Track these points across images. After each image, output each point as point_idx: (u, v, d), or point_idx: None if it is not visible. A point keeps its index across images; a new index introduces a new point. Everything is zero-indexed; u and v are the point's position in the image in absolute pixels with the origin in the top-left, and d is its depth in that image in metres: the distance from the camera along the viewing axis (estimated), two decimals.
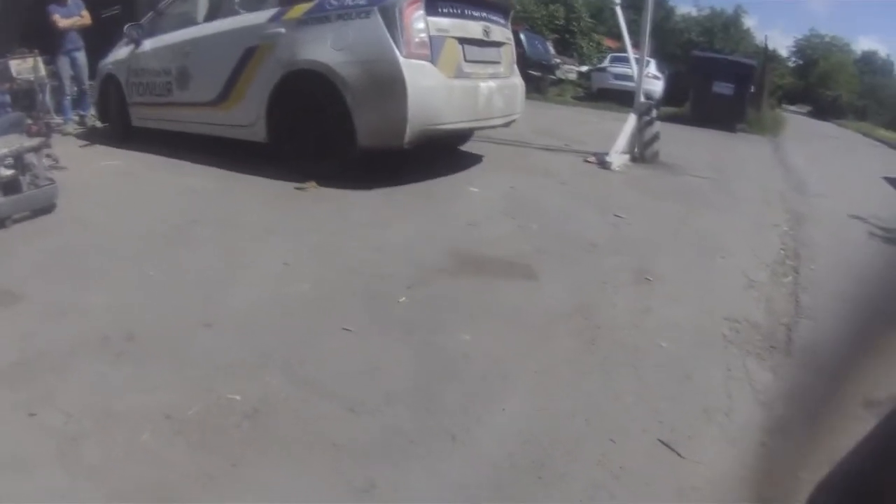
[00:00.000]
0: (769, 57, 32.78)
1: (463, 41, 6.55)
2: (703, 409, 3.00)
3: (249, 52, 6.87)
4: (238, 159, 7.00)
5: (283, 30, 6.60)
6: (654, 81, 23.16)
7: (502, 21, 7.34)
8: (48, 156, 5.98)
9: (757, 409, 3.08)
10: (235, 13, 7.29)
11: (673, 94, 22.42)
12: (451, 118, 6.46)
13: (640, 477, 2.53)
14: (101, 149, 8.24)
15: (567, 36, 34.14)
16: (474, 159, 6.06)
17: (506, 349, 3.43)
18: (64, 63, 9.71)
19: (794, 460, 2.71)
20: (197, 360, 3.17)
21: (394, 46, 6.01)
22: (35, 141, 5.54)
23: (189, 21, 8.23)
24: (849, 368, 3.25)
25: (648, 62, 24.00)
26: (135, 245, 4.66)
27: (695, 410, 3.00)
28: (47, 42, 9.63)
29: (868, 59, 55.56)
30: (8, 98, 9.22)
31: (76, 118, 10.03)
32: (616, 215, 6.06)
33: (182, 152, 7.55)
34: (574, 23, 34.35)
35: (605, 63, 25.09)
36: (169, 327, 3.48)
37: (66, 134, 9.19)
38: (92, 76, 9.90)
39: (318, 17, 6.41)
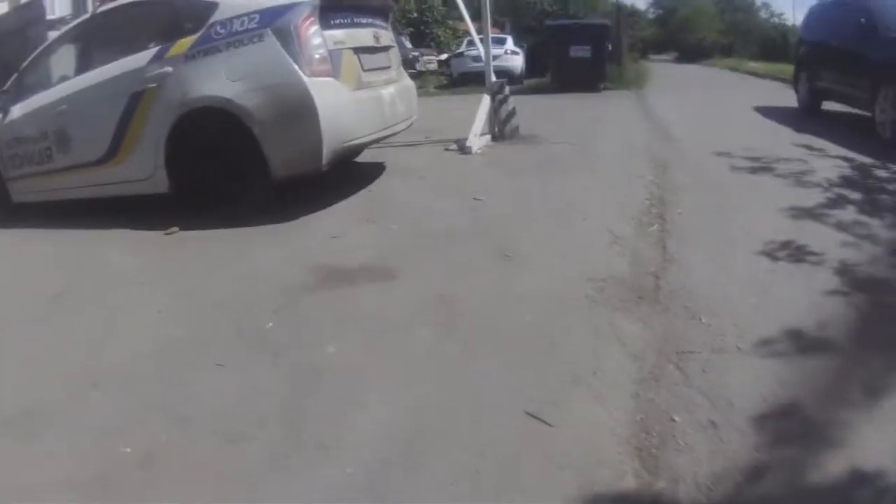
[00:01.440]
0: (626, 13, 33.56)
1: (358, 51, 6.35)
2: (570, 374, 3.08)
3: (135, 99, 6.24)
4: (114, 212, 6.65)
5: (168, 69, 6.05)
6: (513, 58, 23.58)
7: (385, 24, 7.19)
8: None
9: (626, 361, 3.16)
10: (110, 60, 6.58)
11: (535, 67, 22.87)
12: (362, 131, 6.24)
13: (507, 451, 2.60)
14: None
15: (422, 27, 34.23)
16: (333, 168, 6.02)
17: (369, 354, 3.47)
18: None
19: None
20: (88, 422, 3.14)
21: (296, 67, 5.71)
22: None
23: (59, 77, 7.48)
24: None
25: (504, 39, 24.48)
26: (10, 319, 4.49)
27: (561, 377, 3.07)
28: None
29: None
30: None
31: None
32: (475, 198, 6.09)
33: (59, 218, 6.90)
34: (427, 13, 34.51)
35: (463, 48, 25.28)
36: (59, 396, 3.41)
37: None
38: None
39: (205, 49, 5.94)
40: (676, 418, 2.74)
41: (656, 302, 3.79)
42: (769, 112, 11.34)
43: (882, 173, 6.51)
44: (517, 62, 23.80)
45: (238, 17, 5.86)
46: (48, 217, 6.91)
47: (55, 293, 4.84)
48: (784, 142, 8.01)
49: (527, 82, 21.06)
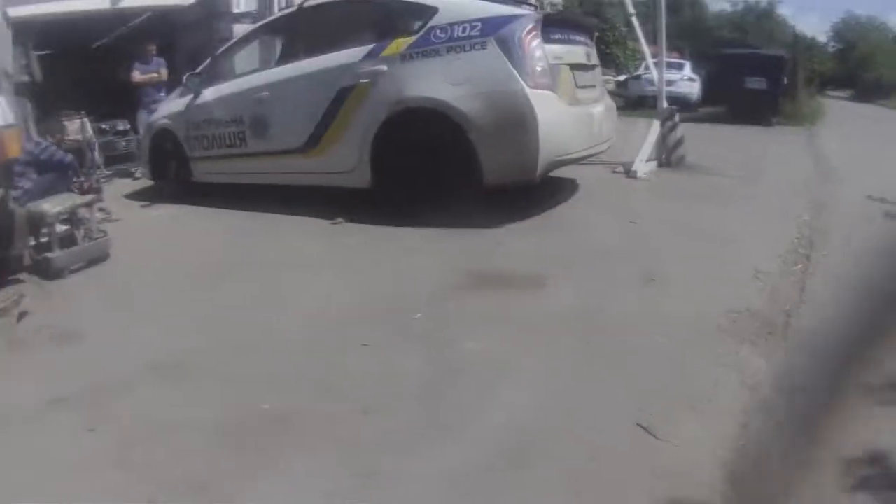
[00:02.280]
0: (805, 45, 32.48)
1: (573, 67, 6.43)
2: (686, 397, 3.28)
3: (344, 93, 6.49)
4: (284, 201, 7.09)
5: (383, 67, 6.24)
6: (690, 84, 23.27)
7: (592, 43, 7.26)
8: (101, 209, 6.46)
9: (742, 392, 3.34)
10: (317, 53, 6.88)
11: (711, 95, 22.51)
12: (575, 147, 6.29)
13: (615, 455, 2.85)
14: (161, 208, 7.99)
15: (602, 47, 34.14)
16: None
17: (507, 352, 3.79)
18: (142, 115, 10.41)
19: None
20: (236, 378, 3.62)
21: (518, 77, 5.76)
22: (87, 197, 6.03)
23: (257, 65, 8.06)
24: (853, 353, 3.41)
25: (682, 65, 24.22)
26: (185, 284, 5.10)
27: (677, 398, 3.27)
28: (95, 101, 10.22)
29: None
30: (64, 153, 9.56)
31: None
32: (632, 222, 6.30)
33: (232, 201, 7.43)
34: (608, 33, 34.43)
35: (640, 70, 25.21)
36: (212, 352, 3.92)
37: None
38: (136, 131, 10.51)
39: (424, 51, 6.08)
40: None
41: (783, 339, 3.93)
42: None
43: None
44: (693, 89, 23.57)
45: (459, 23, 5.99)
46: (224, 197, 7.54)
47: (229, 264, 5.45)
48: None
49: (702, 110, 20.86)
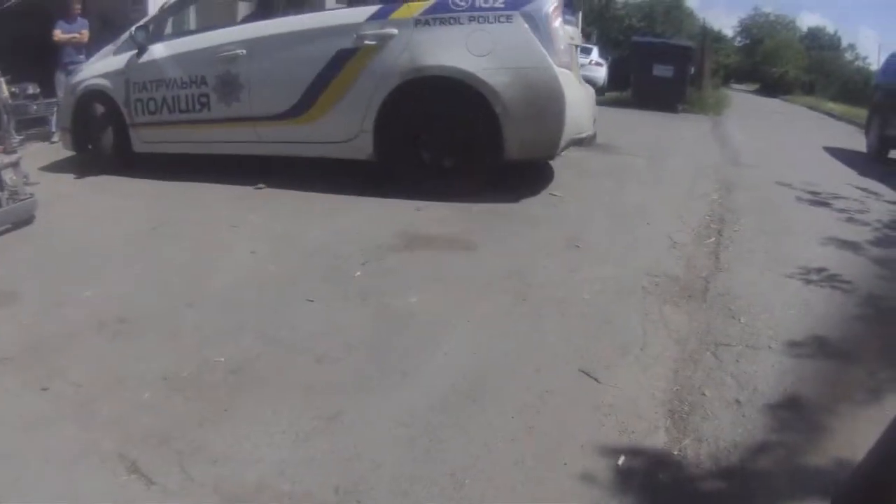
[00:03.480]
0: (712, 37, 33.48)
1: (577, 48, 6.47)
2: (621, 345, 3.55)
3: (343, 56, 6.09)
4: (203, 170, 7.02)
5: (393, 30, 5.92)
6: (597, 69, 23.82)
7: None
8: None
9: (669, 343, 3.60)
10: (309, 9, 6.69)
11: (616, 80, 23.20)
12: (585, 127, 6.32)
13: (563, 398, 3.07)
14: (82, 174, 7.41)
15: None
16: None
17: (448, 307, 3.98)
18: (60, 77, 9.92)
19: None
20: (184, 333, 3.67)
21: (546, 54, 5.68)
22: (13, 157, 5.93)
23: (227, 19, 7.46)
24: None
25: (590, 49, 24.75)
26: (112, 246, 5.07)
27: (613, 346, 3.54)
28: (6, 60, 9.83)
29: (814, 35, 56.45)
30: None
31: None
32: (551, 194, 6.51)
33: (153, 170, 7.16)
34: None
35: None
36: (156, 309, 3.96)
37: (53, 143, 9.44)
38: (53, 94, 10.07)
39: (441, 17, 5.83)
40: (707, 393, 3.17)
41: (703, 301, 4.19)
42: (838, 153, 11.55)
43: None
44: (600, 73, 24.08)
45: None
46: (146, 166, 7.28)
47: (155, 227, 5.44)
48: (846, 182, 8.25)
49: (608, 94, 21.36)
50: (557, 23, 5.81)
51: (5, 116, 9.18)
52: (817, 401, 3.20)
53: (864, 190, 7.89)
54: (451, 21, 5.81)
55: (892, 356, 3.72)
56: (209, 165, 7.00)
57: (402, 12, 5.97)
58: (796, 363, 3.51)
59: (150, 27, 7.21)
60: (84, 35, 10.00)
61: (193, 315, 3.90)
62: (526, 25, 5.70)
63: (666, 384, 3.22)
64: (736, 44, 57.21)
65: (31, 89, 10.32)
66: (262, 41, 6.50)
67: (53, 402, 3.03)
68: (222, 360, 3.35)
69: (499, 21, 5.73)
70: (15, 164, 5.76)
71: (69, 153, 7.97)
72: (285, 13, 6.85)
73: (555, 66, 5.70)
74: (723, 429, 2.92)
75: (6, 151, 7.65)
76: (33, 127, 10.12)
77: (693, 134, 13.18)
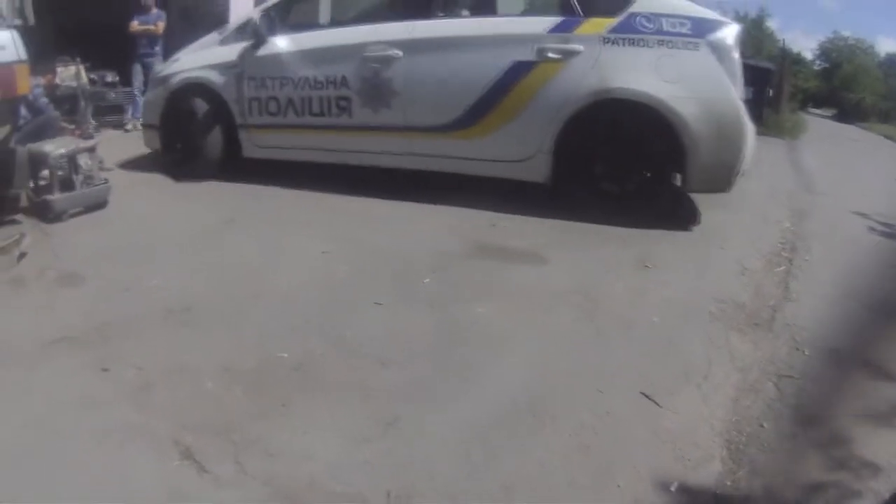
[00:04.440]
0: (792, 60, 32.86)
1: None
2: (683, 371, 3.49)
3: (520, 68, 5.72)
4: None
5: (579, 46, 5.61)
6: None
7: None
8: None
9: (732, 371, 3.53)
10: (481, 13, 6.37)
11: None
12: (750, 161, 5.89)
13: (621, 420, 3.04)
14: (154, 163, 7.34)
15: None
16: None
17: (514, 320, 3.97)
18: (136, 68, 10.14)
19: None
20: (249, 327, 3.71)
21: (731, 86, 5.48)
22: (90, 142, 6.07)
23: (374, 13, 7.04)
24: None
25: None
26: (186, 235, 5.17)
27: (675, 372, 3.48)
28: (87, 48, 10.05)
29: (892, 61, 55.01)
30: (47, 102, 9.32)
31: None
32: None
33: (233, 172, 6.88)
34: None
35: None
36: (223, 301, 4.02)
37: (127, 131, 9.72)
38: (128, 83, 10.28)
39: (630, 38, 5.54)
40: (765, 425, 3.11)
41: (769, 330, 4.10)
42: None
43: None
44: None
45: (664, 15, 5.56)
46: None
47: (227, 219, 5.53)
48: None
49: None
50: (737, 55, 5.58)
51: (83, 102, 9.41)
52: (874, 439, 3.11)
53: None
54: (640, 43, 5.54)
55: None
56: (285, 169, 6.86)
57: (588, 28, 5.65)
58: (858, 400, 3.43)
59: (273, 16, 6.73)
60: (159, 27, 10.06)
61: (261, 309, 3.94)
62: (712, 56, 5.48)
63: (725, 413, 3.16)
64: (815, 67, 56.05)
65: (110, 77, 10.63)
66: (423, 43, 6.05)
67: (112, 384, 3.10)
68: (285, 356, 3.38)
69: (686, 48, 5.49)
70: (91, 150, 5.87)
71: (143, 144, 7.61)
72: (450, 13, 6.37)
73: (738, 100, 5.52)
74: (779, 462, 2.87)
75: (83, 136, 7.81)
76: (109, 115, 10.32)
77: (769, 157, 12.87)
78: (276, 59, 6.51)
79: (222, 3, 11.05)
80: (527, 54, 5.69)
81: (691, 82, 5.46)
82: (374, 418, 2.91)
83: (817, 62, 57.07)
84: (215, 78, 6.75)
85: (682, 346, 3.77)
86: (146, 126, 7.37)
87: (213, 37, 7.21)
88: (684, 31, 5.49)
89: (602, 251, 5.22)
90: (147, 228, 5.34)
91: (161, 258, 4.68)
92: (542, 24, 5.78)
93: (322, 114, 6.39)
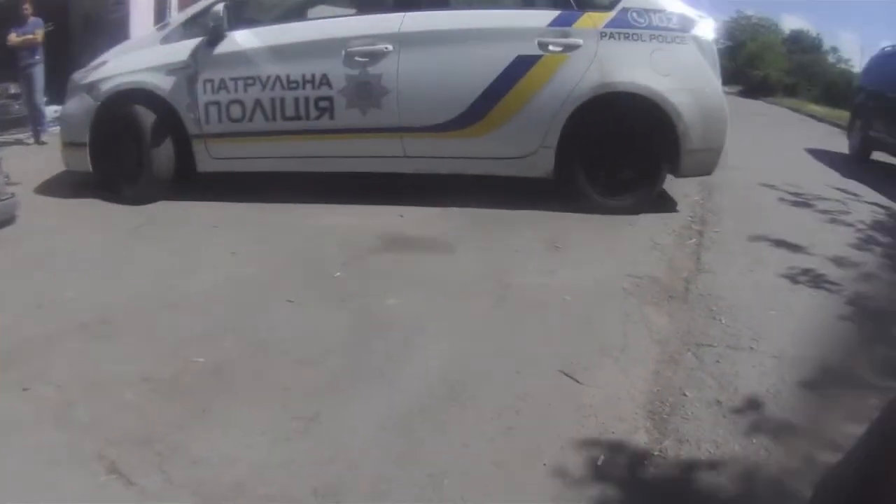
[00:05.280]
0: None
1: None
2: (600, 347, 3.56)
3: (524, 62, 5.63)
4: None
5: (578, 41, 5.62)
6: None
7: None
8: None
9: (650, 344, 3.62)
10: (480, 5, 6.13)
11: None
12: None
13: (543, 399, 3.09)
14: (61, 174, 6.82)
15: None
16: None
17: (427, 308, 4.01)
18: (21, 81, 9.74)
19: None
20: (164, 334, 3.66)
21: (715, 77, 5.81)
22: None
23: (356, 3, 6.55)
24: None
25: None
26: (97, 247, 5.05)
27: (592, 348, 3.56)
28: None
29: (797, 38, 56.27)
30: None
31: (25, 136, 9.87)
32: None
33: None
34: None
35: None
36: (136, 311, 3.95)
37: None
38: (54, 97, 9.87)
39: (625, 32, 5.65)
40: (687, 394, 3.19)
41: (684, 301, 4.22)
42: (820, 154, 11.60)
43: None
44: None
45: (653, 10, 5.73)
46: None
47: (136, 228, 5.42)
48: (828, 183, 8.29)
49: None
50: (716, 48, 5.97)
51: None
52: (797, 402, 3.23)
53: (845, 191, 7.93)
54: (635, 37, 5.67)
55: (873, 357, 3.75)
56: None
57: (586, 22, 5.69)
58: (777, 364, 3.53)
59: (231, 8, 5.93)
60: (38, 35, 9.56)
61: (174, 316, 3.89)
62: (697, 49, 5.75)
63: (646, 385, 3.24)
64: (719, 46, 56.94)
65: (13, 89, 10.25)
66: (418, 37, 5.73)
67: (33, 403, 3.01)
68: (202, 360, 3.35)
69: (675, 42, 5.70)
70: None
71: (52, 155, 7.08)
72: (442, 4, 6.11)
73: (720, 89, 5.85)
74: (703, 430, 2.94)
75: None
76: (11, 127, 10.00)
77: None
78: (238, 56, 5.88)
79: (122, 11, 10.82)
80: (530, 48, 5.64)
81: (682, 74, 5.70)
82: (294, 417, 2.90)
83: (721, 41, 58.04)
84: (160, 82, 5.98)
85: (598, 323, 3.85)
86: (69, 144, 6.32)
87: (150, 35, 6.66)
88: (671, 25, 5.71)
89: (510, 236, 5.28)
90: (58, 243, 5.19)
91: (74, 272, 4.56)
92: (542, 17, 5.77)
93: (298, 117, 5.86)
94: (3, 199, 5.52)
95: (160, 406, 2.99)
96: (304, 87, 5.78)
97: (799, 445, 2.90)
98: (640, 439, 2.86)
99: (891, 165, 10.53)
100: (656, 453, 2.78)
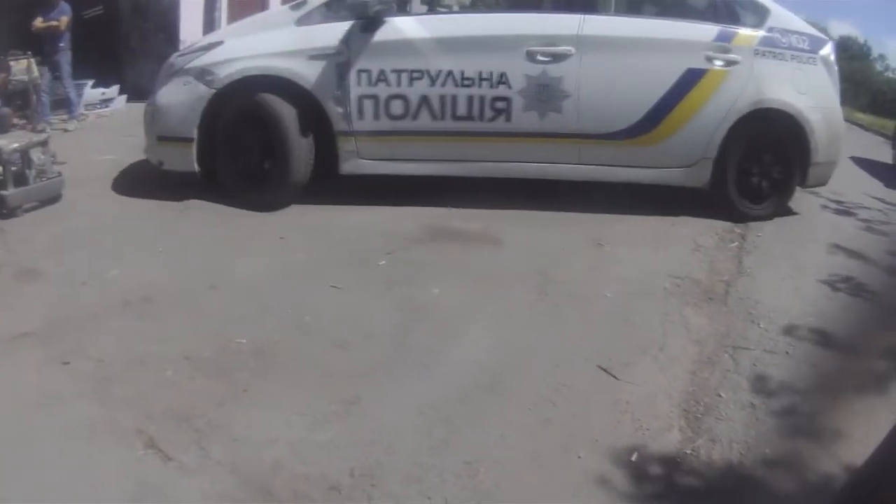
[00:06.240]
0: None
1: None
2: (639, 345, 3.57)
3: (692, 75, 5.60)
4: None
5: (737, 56, 5.67)
6: None
7: None
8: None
9: (688, 344, 3.62)
10: (651, 13, 6.13)
11: None
12: None
13: (580, 393, 3.11)
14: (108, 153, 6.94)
15: None
16: None
17: (471, 299, 4.03)
18: (47, 67, 9.51)
19: None
20: (208, 314, 3.71)
21: (837, 97, 6.03)
22: (42, 136, 5.98)
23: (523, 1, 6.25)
24: None
25: None
26: (142, 227, 5.09)
27: (631, 345, 3.57)
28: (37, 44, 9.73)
29: (845, 45, 55.61)
30: None
31: (53, 122, 9.59)
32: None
33: None
34: None
35: None
36: (181, 290, 3.99)
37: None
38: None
39: (772, 51, 5.77)
40: (722, 395, 3.19)
41: (723, 304, 4.19)
42: (864, 163, 11.39)
43: None
44: None
45: (792, 31, 5.91)
46: None
47: (181, 208, 5.45)
48: (870, 193, 8.17)
49: None
50: (837, 68, 6.14)
51: (34, 96, 9.23)
52: (831, 407, 3.22)
53: (887, 202, 7.82)
54: (781, 56, 5.81)
55: None
56: None
57: (742, 40, 5.76)
58: (814, 371, 3.52)
59: None
60: (63, 22, 9.39)
61: (218, 297, 3.93)
62: (824, 69, 5.93)
63: (683, 384, 3.25)
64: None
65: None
66: (598, 41, 5.49)
67: (74, 377, 3.07)
68: (244, 341, 3.39)
69: (808, 62, 5.87)
70: (43, 143, 5.79)
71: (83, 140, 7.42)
72: (619, 10, 5.98)
73: (840, 107, 6.11)
74: (736, 431, 2.94)
75: (34, 130, 7.68)
76: (58, 108, 10.06)
77: None
78: (402, 46, 5.34)
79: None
80: (698, 61, 5.63)
81: (815, 93, 5.85)
82: (334, 400, 2.94)
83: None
84: (300, 69, 5.29)
85: (638, 322, 3.85)
86: (165, 139, 5.52)
87: (279, 13, 5.98)
88: (805, 46, 5.88)
89: (556, 233, 5.27)
90: (103, 222, 5.24)
91: (119, 251, 4.60)
92: (707, 32, 5.77)
93: (470, 117, 5.41)
94: (50, 178, 5.60)
95: (201, 384, 3.03)
96: (479, 86, 5.34)
97: (829, 450, 2.90)
98: (674, 437, 2.87)
99: None
100: (689, 452, 2.78)
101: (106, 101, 10.76)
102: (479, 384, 3.12)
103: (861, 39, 55.03)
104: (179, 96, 5.40)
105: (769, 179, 5.98)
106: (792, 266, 5.00)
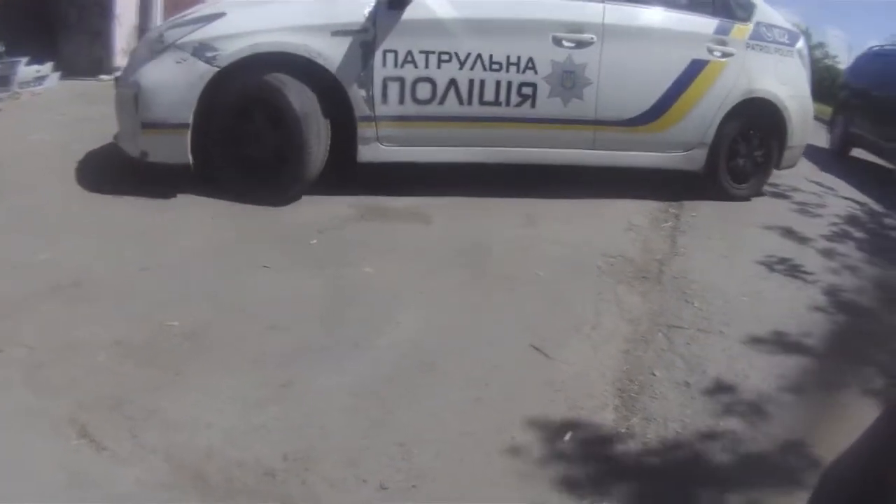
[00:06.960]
0: None
1: None
2: (572, 323, 3.61)
3: (696, 66, 5.87)
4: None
5: (732, 49, 6.04)
6: None
7: None
8: None
9: (622, 323, 3.67)
10: (667, 5, 5.96)
11: None
12: None
13: (513, 372, 3.13)
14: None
15: None
16: None
17: (402, 279, 4.03)
18: None
19: None
20: (138, 298, 3.62)
21: (808, 85, 6.70)
22: None
23: None
24: None
25: None
26: (72, 209, 4.91)
27: (564, 324, 3.61)
28: None
29: None
30: None
31: None
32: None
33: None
34: None
35: None
36: (111, 274, 3.89)
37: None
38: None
39: (760, 44, 6.26)
40: (657, 373, 3.25)
41: (657, 283, 4.27)
42: None
43: (888, 221, 6.99)
44: None
45: (774, 26, 6.44)
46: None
47: (111, 188, 5.22)
48: (806, 176, 8.34)
49: None
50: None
51: None
52: (765, 386, 3.29)
53: (822, 185, 8.01)
54: (766, 49, 6.31)
55: (841, 345, 3.82)
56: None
57: (736, 33, 6.16)
58: (746, 348, 3.61)
59: None
60: None
61: (150, 279, 3.85)
62: (799, 61, 6.59)
63: (616, 363, 3.30)
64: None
65: None
66: (618, 30, 5.53)
67: (4, 365, 2.98)
68: (176, 324, 3.34)
69: (787, 54, 6.44)
70: None
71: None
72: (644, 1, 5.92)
73: (810, 96, 6.75)
74: (671, 409, 3.00)
75: None
76: None
77: None
78: (433, 25, 5.06)
79: None
80: (701, 53, 5.94)
81: (792, 83, 6.49)
82: (267, 383, 2.92)
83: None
84: (321, 47, 4.83)
85: (571, 300, 3.89)
86: (152, 126, 4.83)
87: None
88: (785, 40, 6.47)
89: (489, 214, 5.29)
90: (32, 203, 5.10)
91: (48, 233, 4.45)
92: (708, 24, 6.06)
93: (497, 102, 5.29)
94: None
95: (133, 369, 2.97)
96: (507, 70, 5.23)
97: (761, 428, 2.97)
98: (608, 416, 2.91)
99: (868, 162, 10.63)
100: (624, 430, 2.83)
101: (40, 80, 10.45)
102: (412, 364, 3.12)
103: (802, 27, 55.55)
104: (172, 76, 4.76)
105: (752, 161, 6.52)
106: (727, 246, 5.11)
